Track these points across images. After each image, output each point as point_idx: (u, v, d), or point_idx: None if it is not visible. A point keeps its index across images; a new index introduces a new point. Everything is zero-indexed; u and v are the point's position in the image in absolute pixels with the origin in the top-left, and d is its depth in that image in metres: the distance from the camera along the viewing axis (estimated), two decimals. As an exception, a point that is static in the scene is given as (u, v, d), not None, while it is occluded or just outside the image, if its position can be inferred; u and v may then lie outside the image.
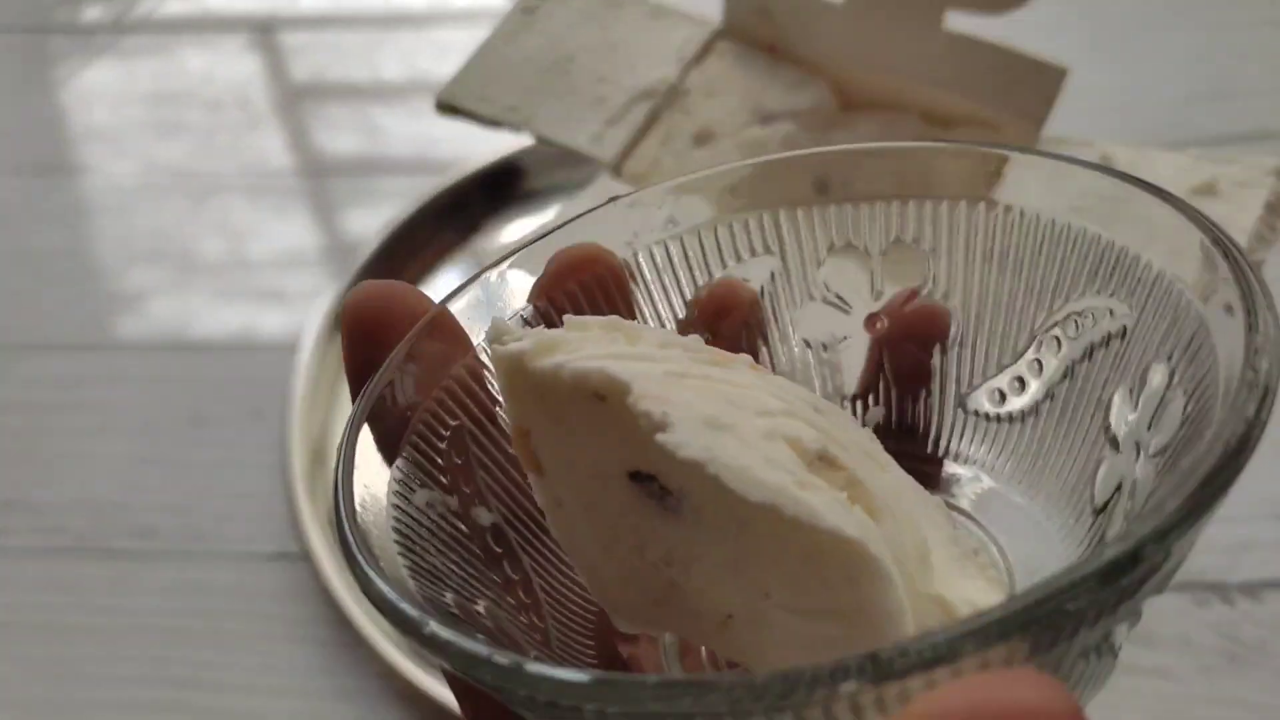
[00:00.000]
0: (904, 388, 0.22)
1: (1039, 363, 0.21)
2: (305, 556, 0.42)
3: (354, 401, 0.20)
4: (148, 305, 0.52)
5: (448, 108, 0.40)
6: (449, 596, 0.18)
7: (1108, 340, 0.21)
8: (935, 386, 0.22)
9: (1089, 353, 0.21)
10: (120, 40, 0.64)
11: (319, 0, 0.66)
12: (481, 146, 0.53)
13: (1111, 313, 0.20)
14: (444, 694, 0.39)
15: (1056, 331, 0.21)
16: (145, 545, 0.45)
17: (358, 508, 0.18)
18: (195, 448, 0.47)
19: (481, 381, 0.21)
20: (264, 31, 0.64)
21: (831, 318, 0.23)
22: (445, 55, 0.62)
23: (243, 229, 0.55)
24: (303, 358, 0.47)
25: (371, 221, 0.53)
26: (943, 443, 0.23)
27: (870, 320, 0.23)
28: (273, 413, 0.47)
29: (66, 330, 0.51)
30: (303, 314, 0.50)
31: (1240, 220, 0.37)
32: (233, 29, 0.65)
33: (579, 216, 0.22)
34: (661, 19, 0.42)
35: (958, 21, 0.37)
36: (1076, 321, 0.21)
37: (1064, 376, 0.21)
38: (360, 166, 0.57)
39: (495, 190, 0.54)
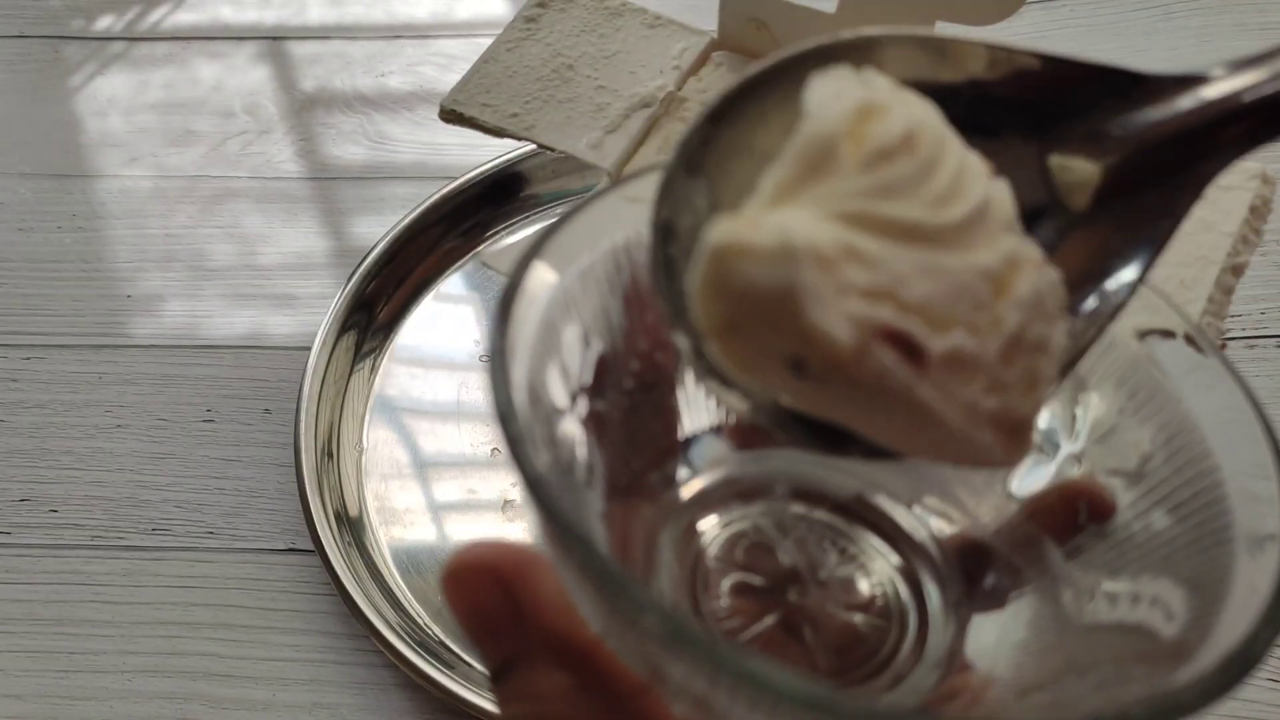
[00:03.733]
0: (1044, 528, 0.22)
1: None
2: (314, 551, 0.43)
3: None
4: (161, 307, 0.53)
5: (451, 115, 0.41)
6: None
7: None
8: None
9: None
10: (133, 49, 0.65)
11: (327, 12, 0.67)
12: (484, 153, 0.54)
13: None
14: (448, 684, 0.40)
15: None
16: (158, 540, 0.45)
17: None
18: (207, 445, 0.48)
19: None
20: (273, 42, 0.65)
21: None
22: (449, 65, 0.63)
23: (253, 234, 0.56)
24: (312, 358, 0.48)
25: (378, 227, 0.54)
26: None
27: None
28: (283, 411, 0.48)
29: (81, 330, 0.52)
30: (312, 316, 0.52)
31: (1224, 224, 0.38)
32: (243, 39, 0.66)
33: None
34: (660, 29, 0.43)
35: (947, 31, 0.37)
36: None
37: None
38: (367, 173, 0.58)
39: (498, 196, 0.55)
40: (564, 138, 0.40)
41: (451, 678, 0.40)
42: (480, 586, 0.19)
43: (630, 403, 0.22)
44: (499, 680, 0.19)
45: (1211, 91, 0.19)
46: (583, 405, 0.21)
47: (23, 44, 0.66)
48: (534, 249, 0.19)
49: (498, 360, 0.18)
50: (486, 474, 0.46)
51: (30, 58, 0.65)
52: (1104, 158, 0.20)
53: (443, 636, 0.42)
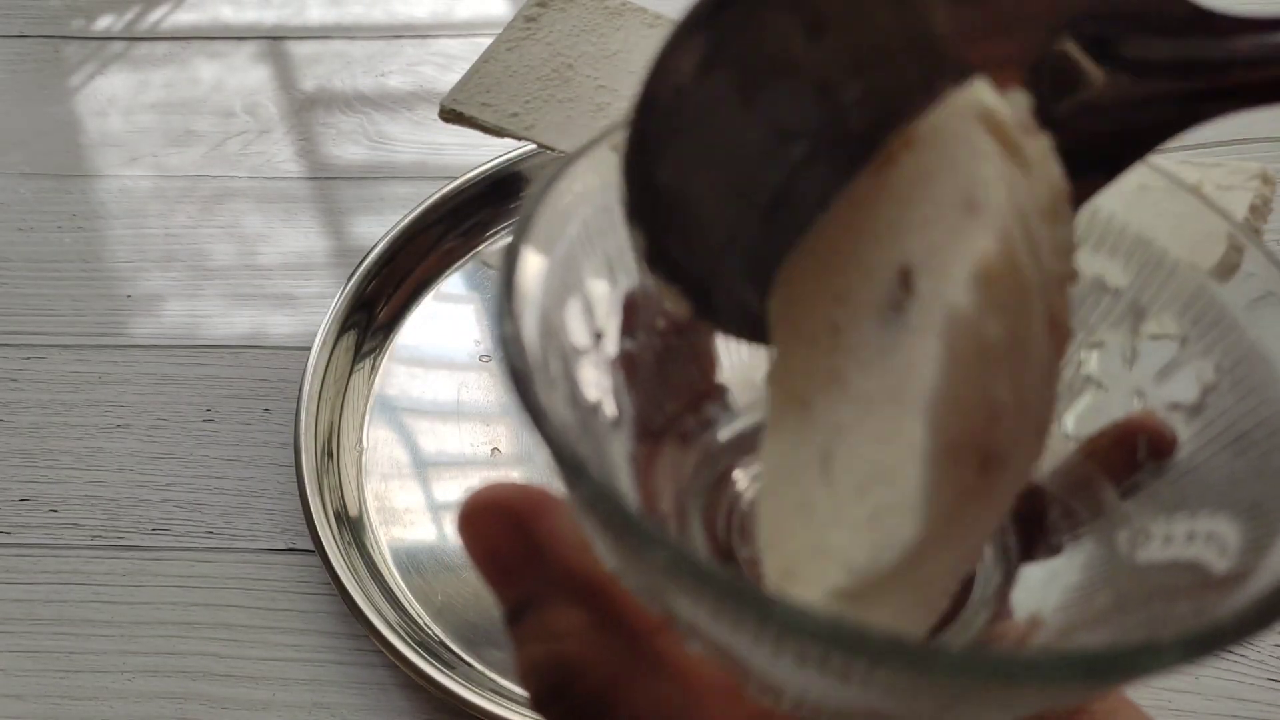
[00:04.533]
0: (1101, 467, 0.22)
1: None
2: (314, 551, 0.43)
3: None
4: (161, 307, 0.53)
5: (451, 114, 0.41)
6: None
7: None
8: None
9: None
10: (133, 49, 0.65)
11: (326, 12, 0.67)
12: (484, 153, 0.54)
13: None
14: (448, 684, 0.40)
15: None
16: (158, 540, 0.45)
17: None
18: (207, 445, 0.48)
19: None
20: (273, 42, 0.65)
21: None
22: (449, 65, 0.64)
23: (253, 234, 0.56)
24: (312, 358, 0.48)
25: (378, 227, 0.54)
26: None
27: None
28: (283, 411, 0.48)
29: (81, 330, 0.52)
30: (312, 316, 0.52)
31: (1224, 224, 0.38)
32: (243, 39, 0.66)
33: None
34: (659, 28, 0.43)
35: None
36: None
37: None
38: (367, 173, 0.58)
39: (498, 196, 0.55)
40: (564, 137, 0.40)
41: (451, 677, 0.40)
42: (496, 527, 0.19)
43: (664, 344, 0.21)
44: (515, 621, 0.19)
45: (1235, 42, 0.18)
46: (611, 344, 0.20)
47: (23, 44, 0.66)
48: (536, 199, 0.18)
49: (504, 291, 0.17)
50: (486, 474, 0.46)
51: (30, 58, 0.65)
52: (1109, 65, 0.19)
53: (443, 636, 0.42)
